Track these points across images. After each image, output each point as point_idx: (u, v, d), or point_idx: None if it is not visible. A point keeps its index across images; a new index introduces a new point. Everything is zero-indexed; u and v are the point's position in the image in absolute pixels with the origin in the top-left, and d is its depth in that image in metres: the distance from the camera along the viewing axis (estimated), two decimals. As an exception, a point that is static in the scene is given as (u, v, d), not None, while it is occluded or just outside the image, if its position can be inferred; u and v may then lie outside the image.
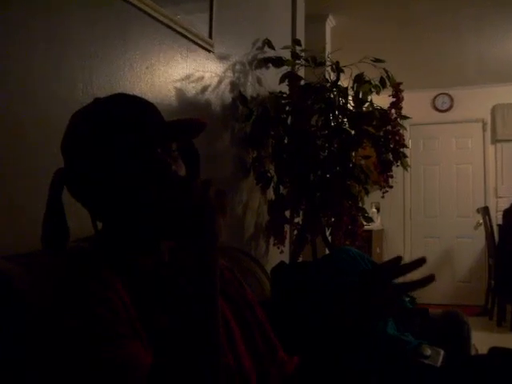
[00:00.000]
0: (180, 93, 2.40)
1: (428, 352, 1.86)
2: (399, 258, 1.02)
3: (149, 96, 2.14)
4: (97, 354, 0.85)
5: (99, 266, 0.97)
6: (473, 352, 2.28)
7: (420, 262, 0.99)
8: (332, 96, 3.14)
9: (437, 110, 7.27)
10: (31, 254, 1.26)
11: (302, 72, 3.50)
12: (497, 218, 6.31)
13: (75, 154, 1.03)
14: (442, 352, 1.88)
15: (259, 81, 3.23)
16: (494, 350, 1.87)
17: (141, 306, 0.95)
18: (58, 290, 0.94)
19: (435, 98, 7.26)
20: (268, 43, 3.28)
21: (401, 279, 1.03)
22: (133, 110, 1.03)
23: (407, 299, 2.44)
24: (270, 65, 3.28)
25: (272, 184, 3.19)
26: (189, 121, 1.06)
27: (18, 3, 1.56)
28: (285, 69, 3.26)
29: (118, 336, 0.87)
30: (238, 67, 2.98)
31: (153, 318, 0.95)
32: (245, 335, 1.13)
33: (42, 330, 0.92)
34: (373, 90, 3.13)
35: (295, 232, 3.41)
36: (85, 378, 0.84)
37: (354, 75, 3.10)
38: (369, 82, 3.10)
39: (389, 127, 3.12)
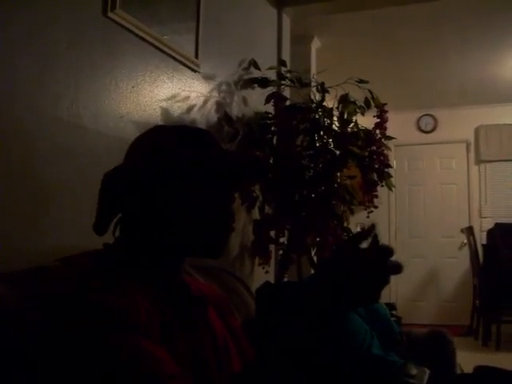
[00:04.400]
0: (166, 112, 2.40)
1: (413, 371, 1.86)
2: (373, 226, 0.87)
3: (134, 115, 2.14)
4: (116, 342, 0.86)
5: (118, 275, 0.98)
6: (458, 371, 2.28)
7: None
8: (317, 116, 3.15)
9: (421, 130, 7.33)
10: (19, 272, 1.25)
11: (287, 92, 3.52)
12: (481, 238, 6.35)
13: (153, 158, 1.05)
14: (428, 371, 1.88)
15: (245, 101, 3.24)
16: (479, 369, 1.87)
17: (161, 315, 0.96)
18: (75, 296, 0.92)
19: (419, 118, 7.33)
20: (254, 64, 3.29)
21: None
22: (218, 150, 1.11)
23: (393, 319, 2.44)
24: (256, 85, 3.29)
25: (257, 204, 3.19)
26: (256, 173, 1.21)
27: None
28: (270, 89, 3.27)
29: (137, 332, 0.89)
30: (223, 87, 2.99)
31: (172, 333, 0.98)
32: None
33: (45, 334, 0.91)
34: (358, 110, 3.14)
35: (280, 252, 3.40)
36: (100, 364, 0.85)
37: (338, 96, 3.12)
38: (354, 102, 3.12)
39: (373, 147, 3.14)
